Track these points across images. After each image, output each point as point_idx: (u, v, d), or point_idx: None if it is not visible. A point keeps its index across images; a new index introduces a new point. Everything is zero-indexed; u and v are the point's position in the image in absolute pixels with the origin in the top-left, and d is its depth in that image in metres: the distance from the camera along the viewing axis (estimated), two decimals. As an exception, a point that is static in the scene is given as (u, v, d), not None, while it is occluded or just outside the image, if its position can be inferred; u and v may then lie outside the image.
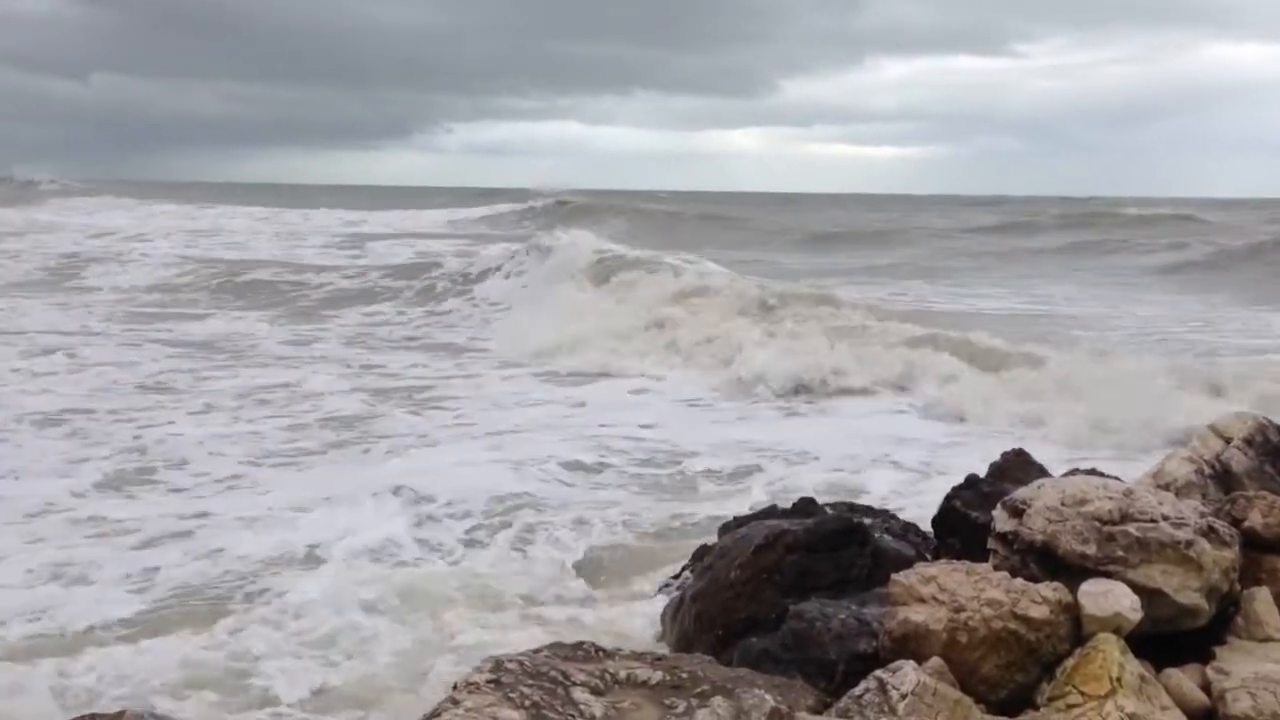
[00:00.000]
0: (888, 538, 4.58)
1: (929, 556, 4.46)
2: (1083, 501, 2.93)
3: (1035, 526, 2.92)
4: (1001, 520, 3.05)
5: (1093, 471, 4.72)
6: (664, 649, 4.22)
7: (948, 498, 4.49)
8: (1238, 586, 2.94)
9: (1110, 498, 2.94)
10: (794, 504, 5.08)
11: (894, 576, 2.85)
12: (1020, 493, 3.07)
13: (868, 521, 4.90)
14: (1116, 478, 4.50)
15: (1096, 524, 2.87)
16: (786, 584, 3.88)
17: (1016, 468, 5.16)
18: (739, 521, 5.00)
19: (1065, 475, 4.41)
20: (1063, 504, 2.95)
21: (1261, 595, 2.93)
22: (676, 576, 4.93)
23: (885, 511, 5.03)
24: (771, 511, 5.00)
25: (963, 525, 4.08)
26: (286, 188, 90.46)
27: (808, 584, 3.87)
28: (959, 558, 4.13)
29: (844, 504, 5.19)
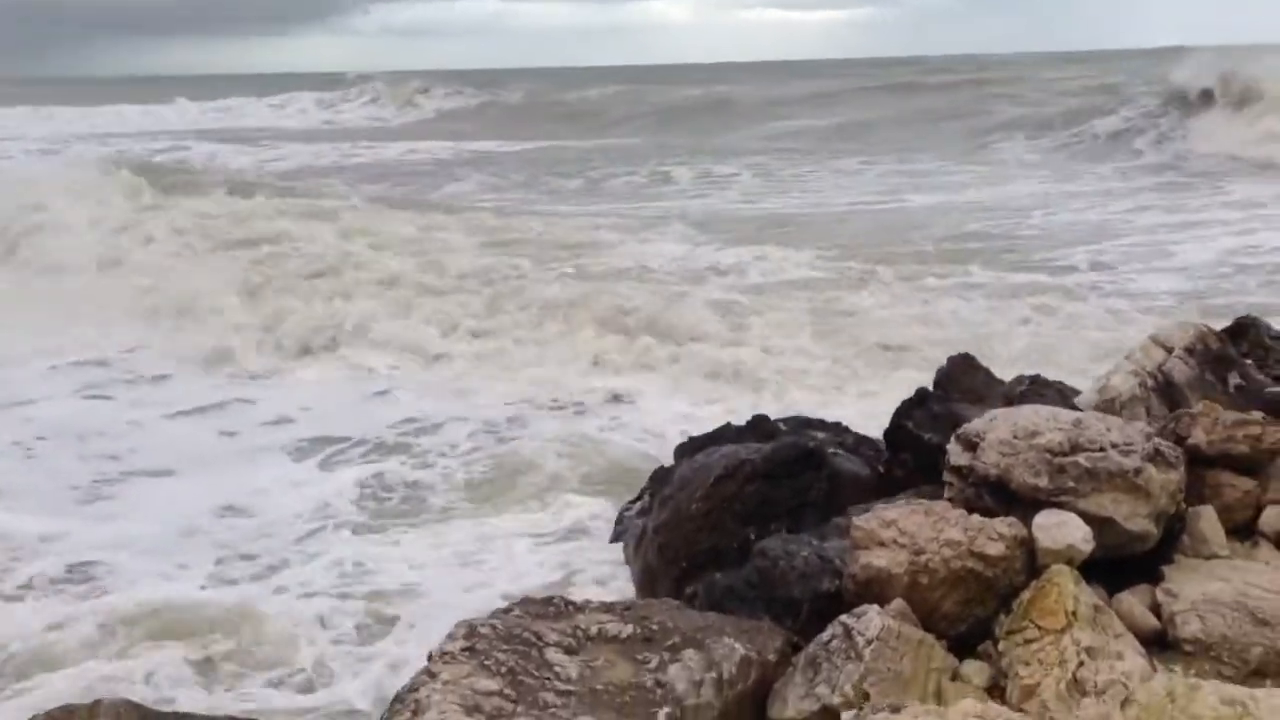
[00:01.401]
0: (842, 454, 4.67)
1: (881, 470, 4.57)
2: (1034, 434, 3.00)
3: (989, 460, 2.99)
4: (956, 454, 3.11)
5: (1035, 380, 4.85)
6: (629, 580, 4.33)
7: (899, 414, 4.56)
8: (1184, 506, 3.04)
9: (1060, 429, 3.01)
10: (749, 421, 5.15)
11: (855, 521, 2.91)
12: (973, 425, 3.13)
13: (821, 436, 5.00)
14: (1075, 392, 4.64)
15: (1048, 456, 2.95)
16: (747, 513, 3.95)
17: (963, 373, 5.27)
18: (694, 443, 5.07)
19: (1018, 403, 4.52)
20: (1015, 437, 3.01)
21: (1206, 514, 3.04)
22: (636, 500, 5.01)
23: (838, 425, 5.11)
24: (726, 432, 5.06)
25: (914, 444, 4.16)
26: (186, 79, 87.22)
27: (768, 512, 3.95)
28: (910, 475, 4.27)
29: (796, 418, 5.27)
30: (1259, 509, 3.16)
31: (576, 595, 3.41)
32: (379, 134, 33.84)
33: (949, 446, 3.15)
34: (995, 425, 3.07)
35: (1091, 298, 8.78)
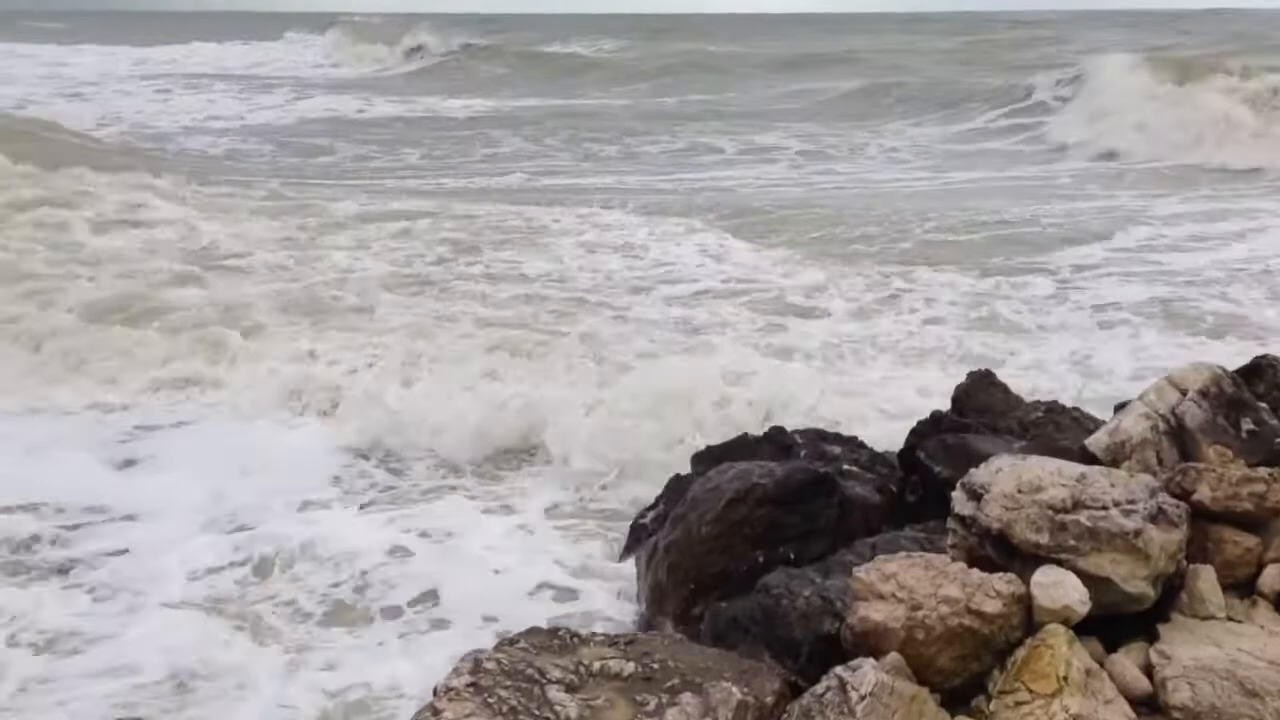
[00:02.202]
0: (855, 473, 4.72)
1: (894, 490, 4.62)
2: (1038, 489, 3.03)
3: (992, 514, 3.03)
4: (960, 503, 3.15)
5: (1051, 406, 4.86)
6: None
7: (913, 436, 4.61)
8: (1184, 564, 3.07)
9: (1064, 484, 3.04)
10: (766, 433, 5.21)
11: (855, 573, 2.96)
12: (979, 475, 3.17)
13: (837, 451, 5.06)
14: (1090, 418, 4.64)
15: (1050, 512, 2.98)
16: (756, 537, 4.02)
17: (982, 391, 5.30)
18: (711, 453, 5.13)
19: (1032, 430, 4.54)
20: (1019, 490, 3.05)
21: (1205, 574, 3.06)
22: (653, 507, 5.07)
23: (853, 440, 5.15)
24: (743, 443, 5.12)
25: (925, 473, 4.20)
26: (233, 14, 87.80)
27: (777, 536, 4.01)
28: (921, 501, 4.32)
29: (813, 431, 5.31)
30: (1260, 566, 3.18)
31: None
32: (384, 86, 33.72)
33: (954, 495, 3.19)
34: (1000, 478, 3.11)
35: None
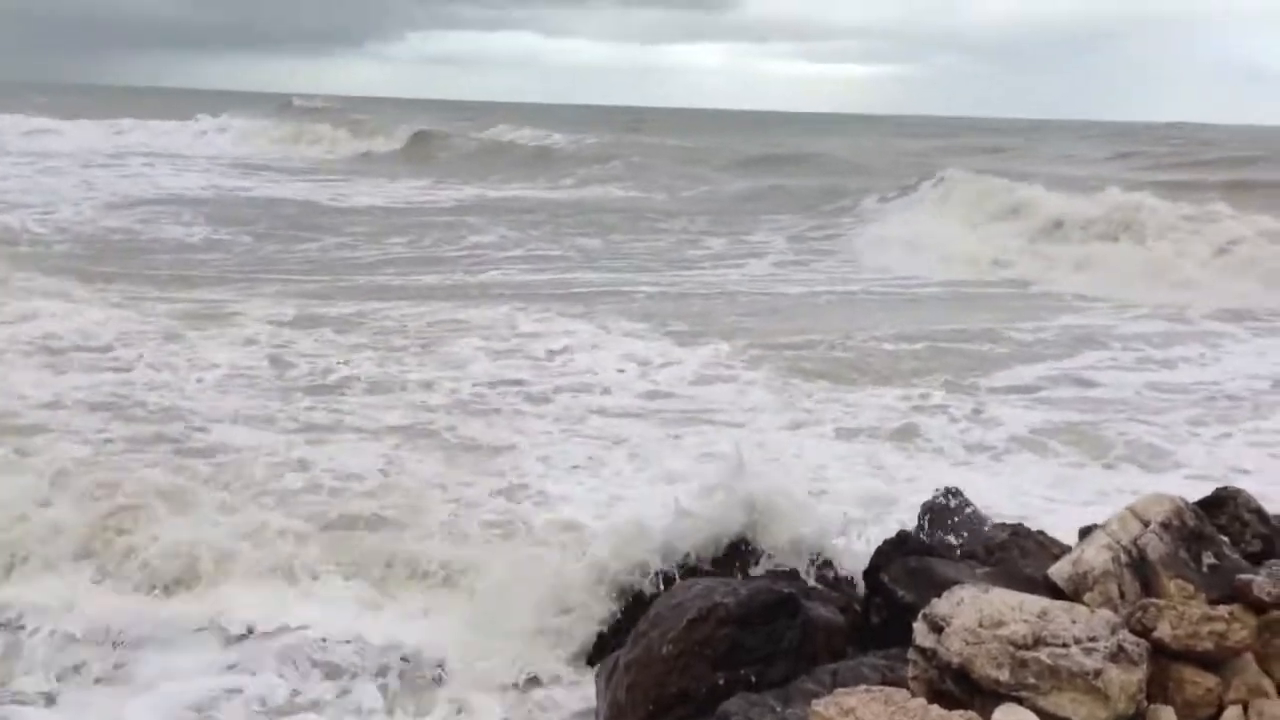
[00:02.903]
0: (820, 592, 4.70)
1: (859, 609, 4.60)
2: (999, 623, 3.02)
3: (953, 648, 3.01)
4: (922, 634, 3.14)
5: (1017, 530, 4.87)
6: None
7: (877, 557, 4.60)
8: (1145, 704, 3.06)
9: (1025, 620, 3.03)
10: (727, 549, 5.17)
11: (814, 705, 2.92)
12: (940, 607, 3.16)
13: (801, 566, 5.04)
14: (1055, 543, 4.64)
15: (1011, 648, 2.97)
16: (718, 657, 3.97)
17: (950, 509, 5.30)
18: (677, 566, 5.09)
19: (998, 553, 4.55)
20: (980, 625, 3.04)
21: (1166, 715, 3.05)
22: (618, 620, 5.01)
23: (818, 555, 5.12)
24: (710, 558, 5.09)
25: (888, 596, 4.18)
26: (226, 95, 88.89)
27: (739, 658, 3.96)
28: (885, 623, 4.29)
29: (783, 546, 5.28)
30: (1220, 708, 3.17)
31: None
32: (349, 171, 33.93)
33: (916, 625, 3.18)
34: (962, 610, 3.10)
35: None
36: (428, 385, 9.01)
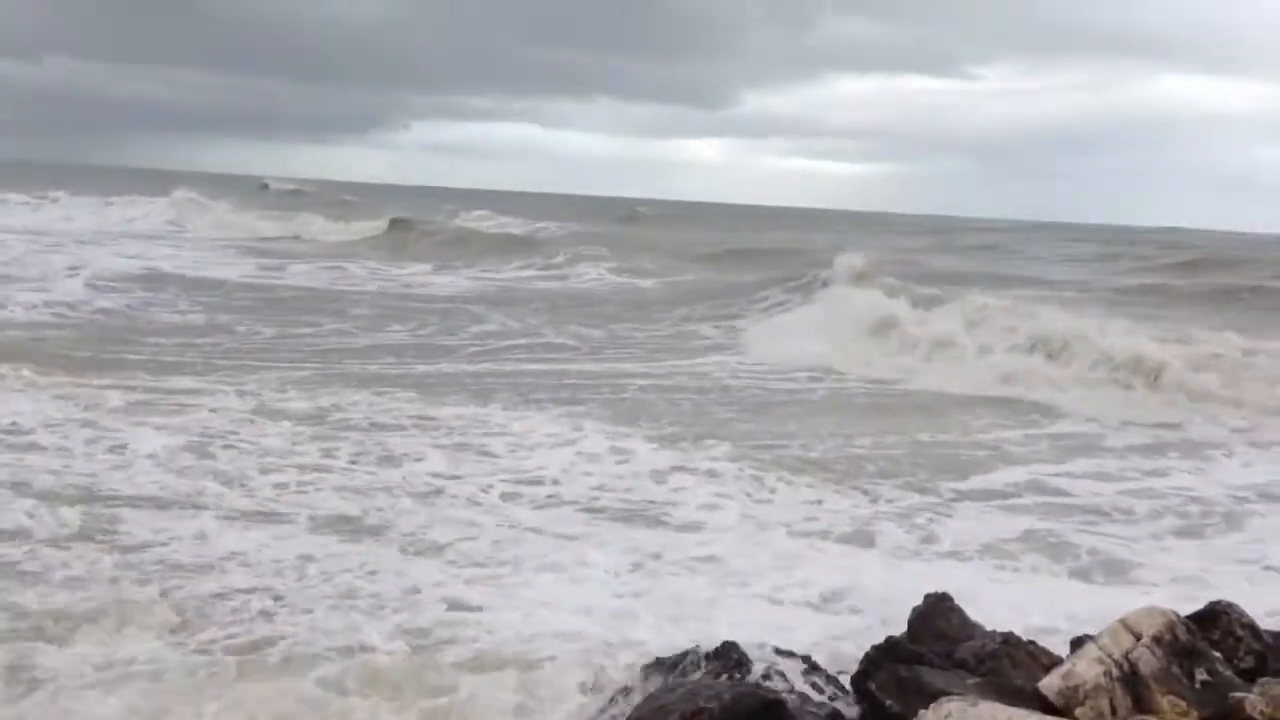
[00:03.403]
0: (808, 696, 4.61)
1: (846, 716, 4.50)
2: (984, 740, 2.96)
3: (936, 764, 2.95)
4: (905, 749, 3.07)
5: (1008, 639, 4.79)
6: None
7: (865, 663, 4.51)
8: (1133, 828, 2.98)
9: (1011, 737, 2.97)
10: (717, 649, 5.09)
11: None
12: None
13: (791, 668, 4.95)
14: (1046, 654, 4.56)
15: (996, 766, 2.90)
16: (700, 763, 3.88)
17: (939, 615, 5.23)
18: (660, 664, 5.01)
19: (988, 661, 4.47)
20: (964, 741, 2.97)
21: (1155, 840, 2.97)
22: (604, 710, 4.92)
23: (808, 658, 5.05)
24: (695, 657, 5.00)
25: (875, 705, 4.10)
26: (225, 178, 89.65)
27: (721, 764, 3.88)
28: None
29: (769, 647, 5.21)
30: (1213, 831, 3.09)
31: None
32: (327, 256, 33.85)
33: (899, 739, 3.11)
34: (946, 724, 3.04)
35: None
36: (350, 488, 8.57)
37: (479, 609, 6.19)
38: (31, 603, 5.90)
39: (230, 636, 5.68)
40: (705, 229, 51.49)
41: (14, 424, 9.67)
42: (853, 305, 18.79)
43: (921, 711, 3.16)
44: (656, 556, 7.16)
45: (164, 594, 6.13)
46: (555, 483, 8.92)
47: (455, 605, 6.23)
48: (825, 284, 21.84)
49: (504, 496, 8.55)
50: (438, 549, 7.20)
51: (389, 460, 9.39)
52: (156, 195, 51.37)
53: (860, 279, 21.46)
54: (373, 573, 6.67)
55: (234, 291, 22.51)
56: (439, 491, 8.56)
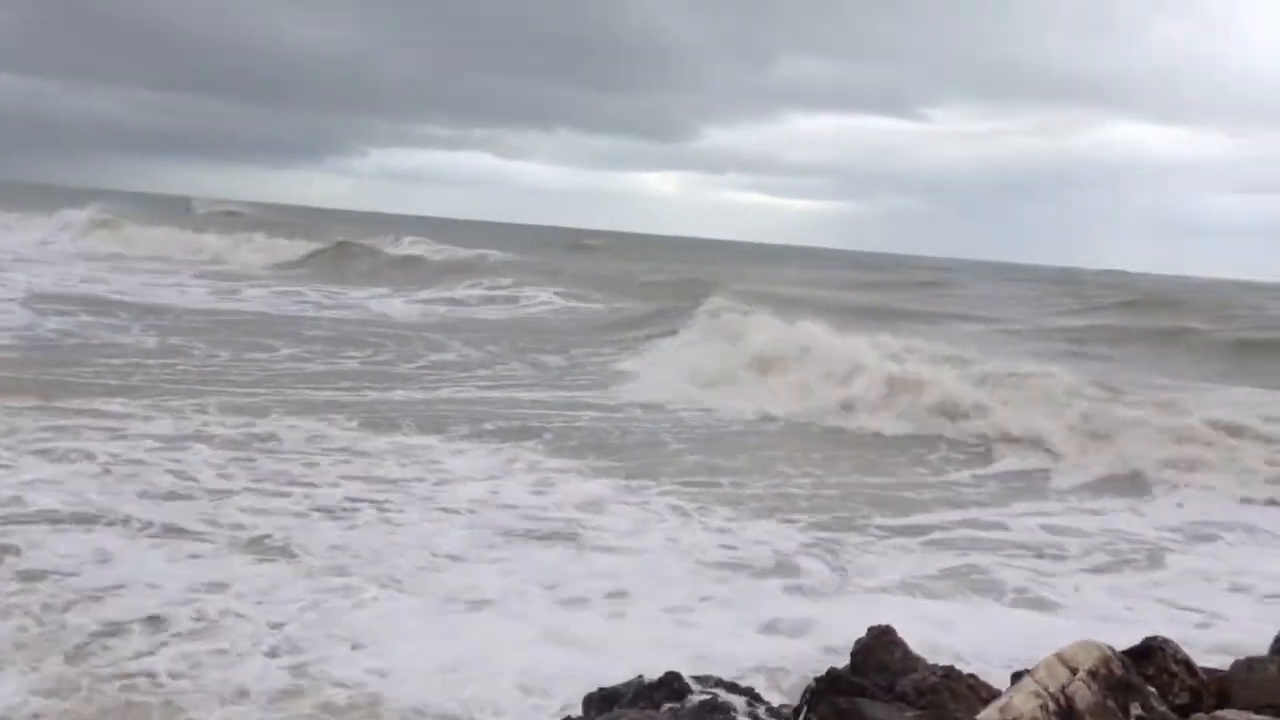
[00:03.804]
0: (750, 727, 4.61)
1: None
2: (924, 772, 2.99)
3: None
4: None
5: (949, 673, 4.84)
6: None
7: (807, 696, 4.54)
8: None
9: (950, 770, 3.00)
10: (660, 678, 5.09)
11: None
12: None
13: (733, 701, 4.95)
14: (986, 687, 4.61)
15: (935, 799, 2.93)
16: (640, 795, 3.87)
17: (882, 649, 5.27)
18: (603, 694, 4.99)
19: (929, 695, 4.51)
20: (904, 773, 3.00)
21: None
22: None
23: (750, 690, 5.06)
24: (638, 687, 4.99)
25: (818, 738, 4.12)
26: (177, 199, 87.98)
27: (662, 796, 3.86)
28: (814, 766, 4.21)
29: (711, 679, 5.21)
30: None
31: None
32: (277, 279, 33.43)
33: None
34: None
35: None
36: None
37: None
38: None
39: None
40: (649, 260, 51.58)
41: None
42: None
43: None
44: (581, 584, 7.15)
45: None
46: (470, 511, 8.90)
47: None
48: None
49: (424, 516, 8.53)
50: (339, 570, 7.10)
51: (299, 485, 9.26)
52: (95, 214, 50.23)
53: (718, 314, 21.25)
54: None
55: (184, 315, 22.07)
56: (347, 512, 8.52)
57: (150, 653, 5.74)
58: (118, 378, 14.15)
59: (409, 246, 43.01)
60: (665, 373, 16.62)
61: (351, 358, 17.96)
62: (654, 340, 20.15)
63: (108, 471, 9.14)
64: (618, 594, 7.09)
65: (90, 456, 9.54)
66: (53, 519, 7.78)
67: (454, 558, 7.65)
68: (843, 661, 5.18)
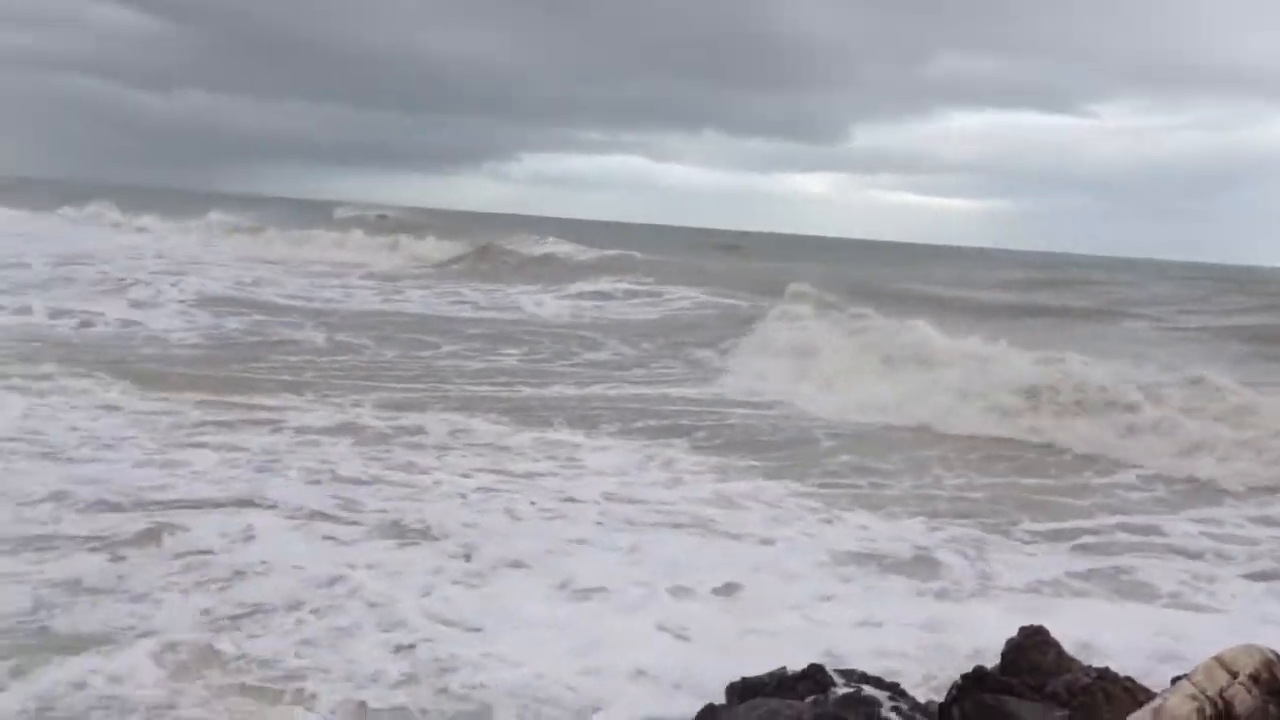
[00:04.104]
0: (890, 719, 4.58)
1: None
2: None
3: (1019, 788, 2.94)
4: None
5: (1104, 674, 4.71)
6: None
7: (953, 692, 4.49)
8: None
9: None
10: (804, 670, 5.10)
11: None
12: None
13: (876, 695, 4.92)
14: (1143, 690, 4.48)
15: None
16: (778, 782, 3.90)
17: (1034, 648, 5.16)
18: (746, 685, 5.03)
19: (1080, 696, 4.41)
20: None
21: None
22: (682, 737, 4.95)
23: (895, 686, 5.03)
24: (781, 678, 5.01)
25: (962, 734, 4.08)
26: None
27: (800, 784, 3.88)
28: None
29: (856, 673, 5.19)
30: None
31: None
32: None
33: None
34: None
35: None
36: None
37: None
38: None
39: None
40: (797, 260, 51.09)
41: (92, 435, 10.06)
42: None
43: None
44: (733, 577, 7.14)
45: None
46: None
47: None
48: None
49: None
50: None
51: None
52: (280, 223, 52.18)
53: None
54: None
55: (350, 315, 22.91)
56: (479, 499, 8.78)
57: (283, 632, 5.97)
58: (291, 373, 14.88)
59: (553, 245, 43.74)
60: (816, 371, 16.53)
61: (509, 355, 18.43)
62: (804, 340, 20.05)
63: (265, 459, 9.66)
64: (751, 587, 7.06)
65: (240, 448, 10.03)
66: (206, 503, 8.22)
67: (580, 541, 7.79)
68: (991, 662, 5.11)
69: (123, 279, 25.92)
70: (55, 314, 18.79)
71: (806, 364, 16.75)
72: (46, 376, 12.73)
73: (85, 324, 18.29)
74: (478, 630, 6.11)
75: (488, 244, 43.15)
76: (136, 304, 21.64)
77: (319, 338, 18.83)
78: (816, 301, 21.86)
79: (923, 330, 17.04)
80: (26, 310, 18.94)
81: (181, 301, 22.55)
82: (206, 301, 22.89)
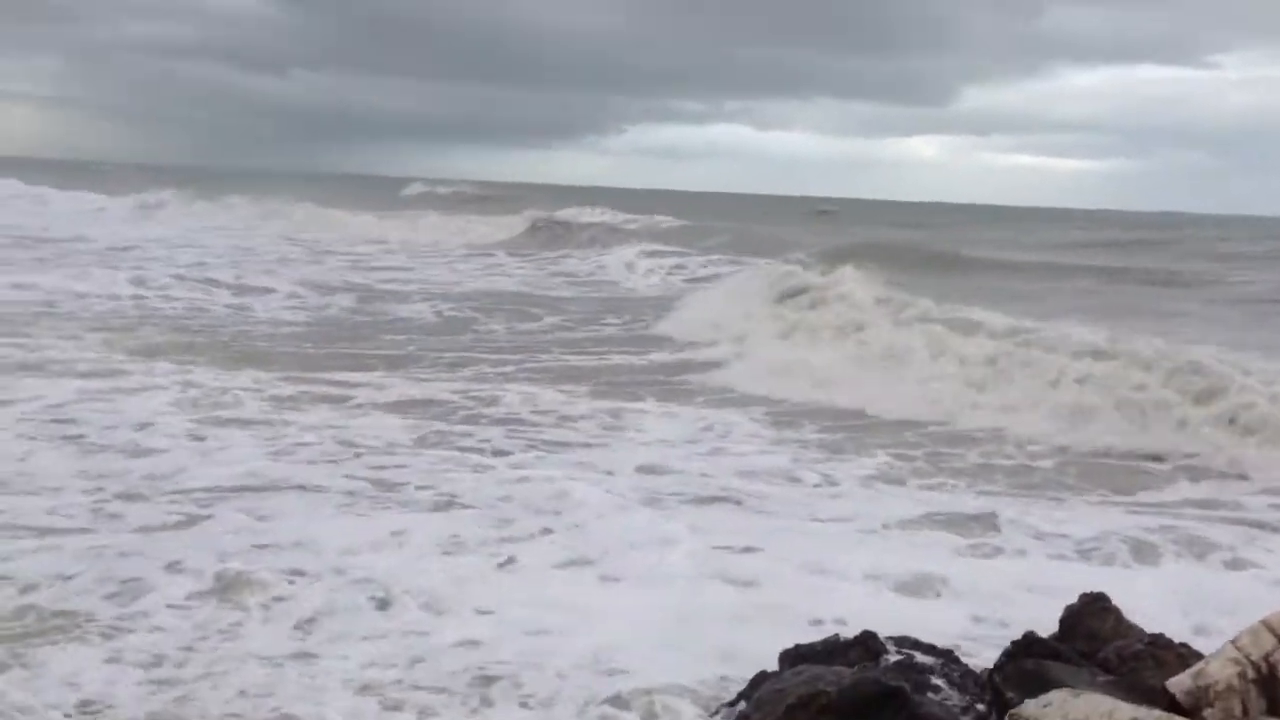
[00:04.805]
0: (941, 687, 4.55)
1: (979, 710, 4.43)
2: (1087, 731, 2.91)
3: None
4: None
5: (1155, 640, 4.61)
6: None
7: (1004, 657, 4.44)
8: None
9: (1112, 728, 2.91)
10: (857, 637, 5.09)
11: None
12: (1027, 709, 3.07)
13: (927, 662, 4.89)
14: (1197, 656, 4.37)
15: (1099, 761, 2.85)
16: (817, 746, 3.91)
17: (1091, 616, 5.06)
18: (798, 652, 5.04)
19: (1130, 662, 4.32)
20: (1068, 732, 2.93)
21: (1268, 843, 2.85)
22: (733, 704, 4.99)
23: (949, 653, 4.99)
24: (832, 645, 5.01)
25: (998, 698, 4.04)
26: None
27: (837, 749, 3.90)
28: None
29: (909, 640, 5.16)
30: (1339, 841, 2.94)
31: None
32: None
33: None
34: (1048, 713, 3.00)
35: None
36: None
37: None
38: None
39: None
40: (886, 227, 50.21)
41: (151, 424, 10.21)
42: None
43: (1027, 701, 3.12)
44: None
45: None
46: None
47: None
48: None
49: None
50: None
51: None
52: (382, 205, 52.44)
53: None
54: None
55: (454, 291, 23.64)
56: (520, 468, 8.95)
57: (321, 611, 5.93)
58: (394, 348, 15.35)
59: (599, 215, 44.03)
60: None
61: (610, 324, 19.07)
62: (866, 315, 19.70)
63: (311, 436, 9.91)
64: (808, 554, 7.04)
65: (312, 428, 10.23)
66: (260, 478, 8.46)
67: (627, 525, 7.61)
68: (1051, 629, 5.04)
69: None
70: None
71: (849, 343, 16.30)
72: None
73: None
74: (521, 604, 6.05)
75: (560, 220, 43.55)
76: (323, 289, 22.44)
77: (429, 316, 19.53)
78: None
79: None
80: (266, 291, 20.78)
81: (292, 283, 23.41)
82: (313, 284, 23.82)
